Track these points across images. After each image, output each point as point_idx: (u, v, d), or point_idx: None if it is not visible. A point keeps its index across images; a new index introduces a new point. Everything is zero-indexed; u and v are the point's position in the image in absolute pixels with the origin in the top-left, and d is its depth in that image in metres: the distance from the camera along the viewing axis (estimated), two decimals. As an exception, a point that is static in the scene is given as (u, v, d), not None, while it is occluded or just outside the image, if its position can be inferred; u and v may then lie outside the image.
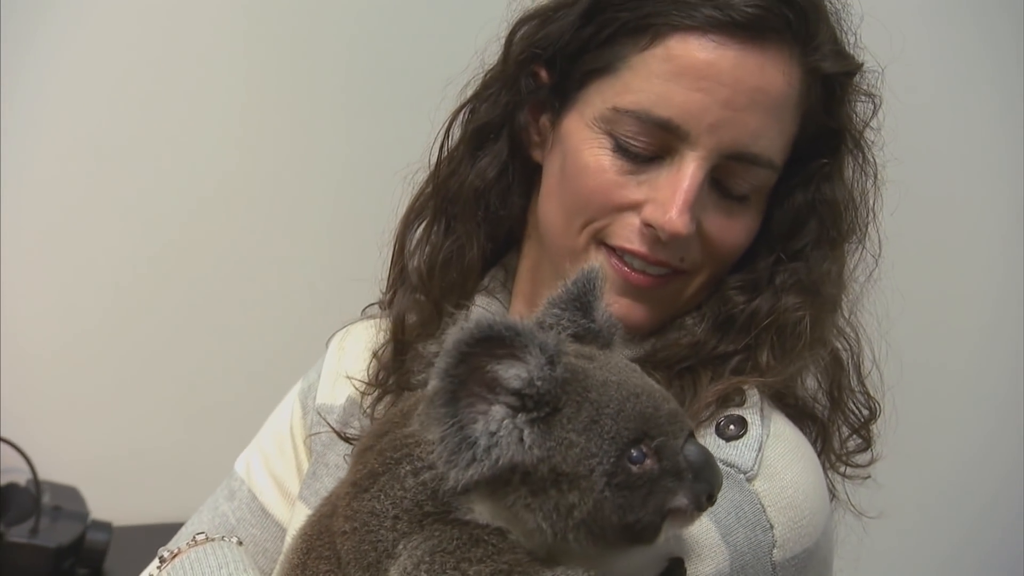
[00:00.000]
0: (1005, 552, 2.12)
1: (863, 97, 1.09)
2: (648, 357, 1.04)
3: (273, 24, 1.97)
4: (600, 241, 1.04)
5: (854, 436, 1.14)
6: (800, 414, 1.10)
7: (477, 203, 1.14)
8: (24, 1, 1.86)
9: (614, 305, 1.00)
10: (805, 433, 1.09)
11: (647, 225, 1.01)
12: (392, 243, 1.20)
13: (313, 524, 0.94)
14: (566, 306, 0.89)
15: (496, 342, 0.80)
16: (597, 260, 1.03)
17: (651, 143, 1.01)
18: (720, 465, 0.92)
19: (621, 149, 1.02)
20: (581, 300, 0.89)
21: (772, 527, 0.95)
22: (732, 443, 0.98)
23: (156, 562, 1.02)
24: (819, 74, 1.03)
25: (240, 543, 1.02)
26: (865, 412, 1.15)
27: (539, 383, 0.80)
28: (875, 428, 1.16)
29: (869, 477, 1.18)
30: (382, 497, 0.86)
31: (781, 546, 0.95)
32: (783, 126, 1.03)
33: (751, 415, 1.01)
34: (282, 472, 1.19)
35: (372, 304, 1.24)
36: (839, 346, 1.13)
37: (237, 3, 1.97)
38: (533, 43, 1.09)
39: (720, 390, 1.01)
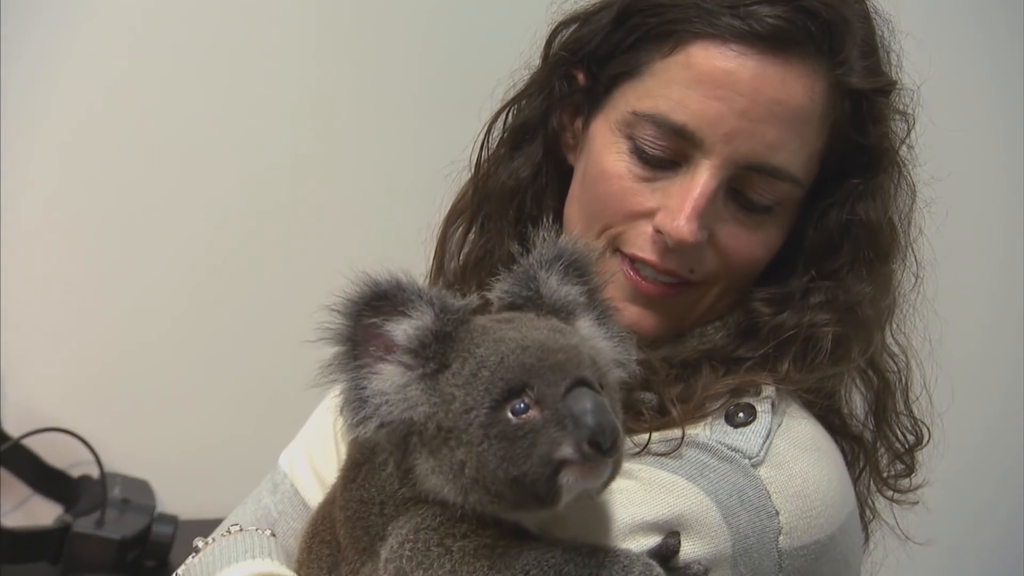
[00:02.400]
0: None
1: (897, 116, 1.07)
2: (660, 357, 1.03)
3: (316, 24, 1.99)
4: (616, 248, 1.05)
5: (898, 460, 1.12)
6: (841, 433, 1.09)
7: (510, 203, 1.15)
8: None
9: (624, 312, 1.03)
10: (844, 452, 1.08)
11: (657, 231, 1.01)
12: (434, 240, 1.21)
13: (319, 510, 0.97)
14: (510, 279, 0.90)
15: (384, 299, 0.82)
16: (612, 267, 1.04)
17: (667, 148, 1.01)
18: (725, 450, 0.95)
19: (638, 153, 1.02)
20: (526, 272, 0.89)
21: (778, 513, 0.94)
22: (739, 429, 0.98)
23: (192, 554, 1.04)
24: (846, 89, 1.01)
25: (274, 535, 1.03)
26: (911, 437, 1.13)
27: (421, 336, 0.81)
28: (920, 454, 1.14)
29: (918, 503, 1.16)
30: (367, 485, 0.88)
31: (788, 533, 0.94)
32: (804, 140, 1.01)
33: (762, 404, 1.00)
34: (324, 466, 1.19)
35: None
36: (888, 368, 1.11)
37: (281, 13, 1.98)
38: (568, 46, 1.10)
39: (733, 383, 1.00)
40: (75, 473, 1.96)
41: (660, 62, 1.02)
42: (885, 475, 1.13)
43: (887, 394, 1.11)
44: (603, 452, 0.79)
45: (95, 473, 1.88)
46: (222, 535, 1.03)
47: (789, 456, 0.97)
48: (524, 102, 1.16)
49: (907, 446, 1.13)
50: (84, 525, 1.74)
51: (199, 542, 1.03)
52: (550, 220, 1.07)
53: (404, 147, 2.01)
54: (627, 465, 0.93)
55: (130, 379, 2.03)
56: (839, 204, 1.06)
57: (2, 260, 1.95)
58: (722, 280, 1.05)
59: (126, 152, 1.97)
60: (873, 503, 1.16)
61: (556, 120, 1.13)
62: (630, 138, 1.03)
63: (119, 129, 1.96)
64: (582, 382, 0.81)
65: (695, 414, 0.99)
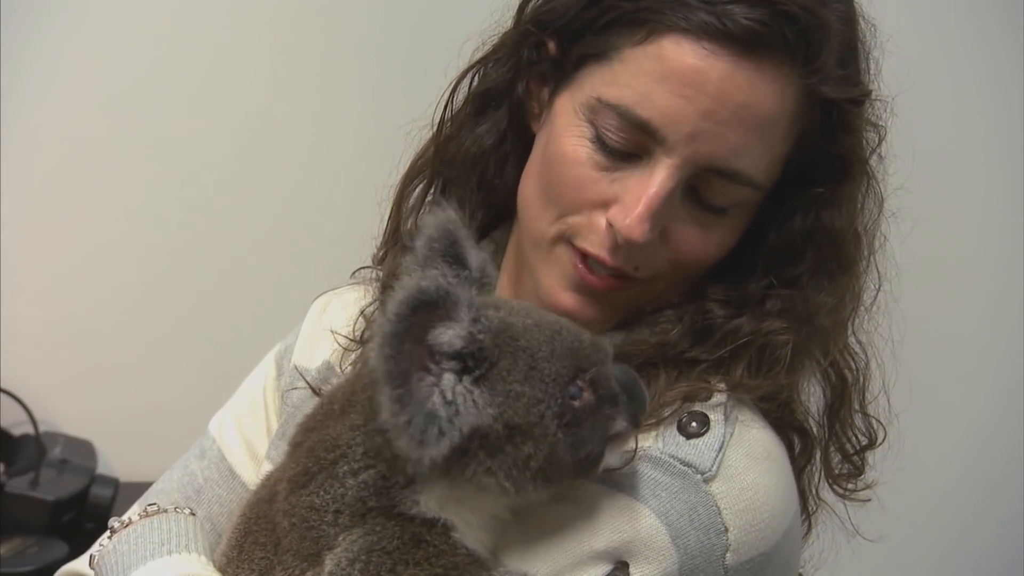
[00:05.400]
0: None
1: (869, 126, 1.03)
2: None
3: None
4: (568, 240, 1.01)
5: (849, 460, 1.10)
6: (788, 426, 1.06)
7: (472, 169, 1.11)
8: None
9: (565, 300, 1.01)
10: (793, 445, 1.06)
11: (610, 225, 0.98)
12: (391, 200, 1.17)
13: (252, 506, 0.93)
14: (439, 263, 0.89)
15: (432, 307, 0.79)
16: (561, 256, 1.01)
17: (629, 141, 0.97)
18: (678, 465, 0.93)
19: (599, 141, 0.98)
20: (450, 253, 0.90)
21: (727, 530, 0.92)
22: (692, 441, 0.95)
23: (108, 533, 1.01)
24: (818, 97, 0.97)
25: (192, 514, 1.00)
26: (863, 439, 1.11)
27: (480, 337, 0.81)
28: (873, 453, 1.12)
29: (870, 500, 1.14)
30: (321, 493, 0.85)
31: (735, 550, 0.92)
32: (769, 145, 0.97)
33: (715, 413, 0.97)
34: (253, 433, 1.17)
35: (362, 268, 1.20)
36: (847, 366, 1.09)
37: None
38: (539, 15, 1.06)
39: (686, 390, 0.98)
40: (16, 432, 1.93)
41: (630, 50, 0.97)
42: (837, 472, 1.12)
43: (844, 393, 1.09)
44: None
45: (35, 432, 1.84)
46: (139, 515, 0.99)
47: (741, 467, 0.94)
48: (491, 65, 1.12)
49: (858, 447, 1.11)
50: (17, 485, 1.71)
51: (115, 522, 1.00)
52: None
53: (365, 102, 1.96)
54: (578, 483, 0.92)
55: (78, 339, 2.00)
56: (804, 210, 1.03)
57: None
58: (668, 277, 1.02)
59: (80, 118, 1.94)
60: (818, 494, 1.14)
61: (522, 88, 1.09)
62: (592, 124, 0.99)
63: (76, 98, 1.93)
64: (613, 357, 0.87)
65: (648, 421, 0.96)
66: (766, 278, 1.03)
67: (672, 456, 0.94)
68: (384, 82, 1.94)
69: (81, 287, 1.99)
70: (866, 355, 1.10)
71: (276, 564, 0.87)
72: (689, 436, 0.95)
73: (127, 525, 0.98)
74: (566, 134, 1.00)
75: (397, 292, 0.78)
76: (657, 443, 0.95)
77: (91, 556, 0.99)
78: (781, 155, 0.99)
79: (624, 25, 0.98)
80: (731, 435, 0.96)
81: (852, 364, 1.09)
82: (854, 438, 1.10)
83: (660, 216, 0.97)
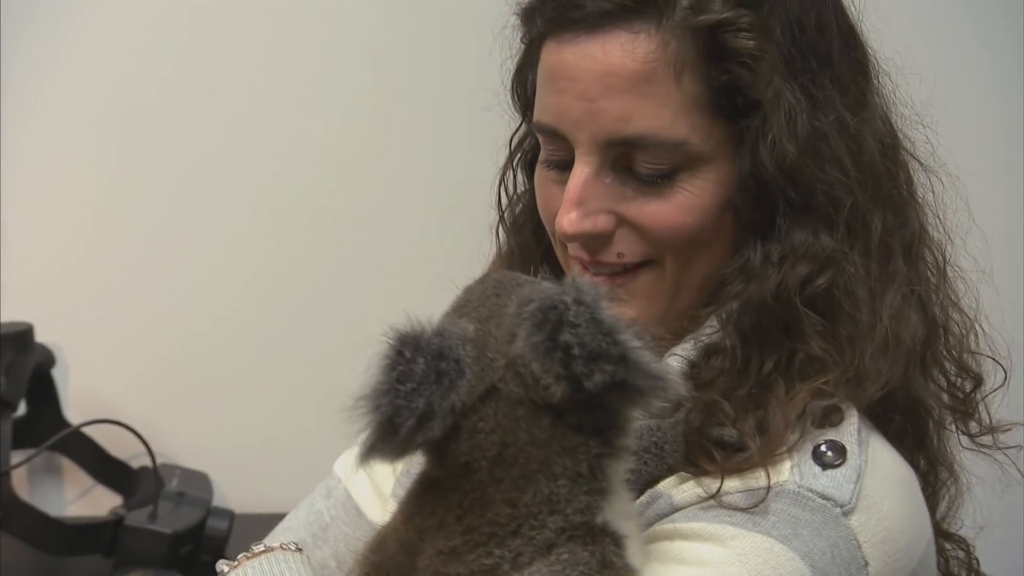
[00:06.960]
0: None
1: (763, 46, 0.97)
2: (701, 383, 0.98)
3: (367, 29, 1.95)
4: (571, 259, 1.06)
5: (957, 409, 1.08)
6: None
7: (525, 230, 1.18)
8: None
9: None
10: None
11: None
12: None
13: (375, 566, 0.89)
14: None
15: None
16: (575, 271, 1.05)
17: (558, 151, 1.03)
18: (817, 500, 0.91)
19: (548, 161, 1.05)
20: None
21: (867, 563, 0.90)
22: (828, 472, 0.92)
23: None
24: (682, 34, 0.96)
25: (299, 549, 1.00)
26: (967, 382, 1.09)
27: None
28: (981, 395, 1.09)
29: (1020, 447, 1.12)
30: (496, 551, 0.82)
31: None
32: (659, 100, 0.96)
33: (850, 441, 0.95)
34: (378, 472, 1.19)
35: None
36: (935, 310, 1.06)
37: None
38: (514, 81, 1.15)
39: (799, 402, 0.95)
40: (136, 464, 1.96)
41: (538, 71, 1.05)
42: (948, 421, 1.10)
43: (936, 341, 1.06)
44: None
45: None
46: (245, 556, 1.00)
47: (877, 496, 0.93)
48: (524, 138, 1.20)
49: (963, 392, 1.09)
50: (136, 518, 1.72)
51: (224, 566, 1.00)
52: None
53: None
54: (714, 527, 0.91)
55: (191, 370, 2.02)
56: (742, 156, 0.99)
57: (63, 253, 1.96)
58: (668, 255, 1.02)
59: (185, 143, 1.96)
60: (952, 462, 1.13)
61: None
62: (543, 149, 1.06)
63: (177, 123, 1.95)
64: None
65: (779, 449, 0.94)
66: (756, 239, 1.00)
67: (810, 490, 0.92)
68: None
69: (192, 318, 2.01)
70: (955, 292, 1.09)
71: None
72: (826, 467, 0.93)
73: (236, 566, 0.98)
74: (538, 164, 1.09)
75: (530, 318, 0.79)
76: (793, 476, 0.93)
77: None
78: (685, 104, 0.97)
79: (531, 55, 1.07)
80: (866, 463, 0.94)
81: (936, 301, 1.07)
82: (944, 380, 1.09)
83: (592, 204, 1.00)
